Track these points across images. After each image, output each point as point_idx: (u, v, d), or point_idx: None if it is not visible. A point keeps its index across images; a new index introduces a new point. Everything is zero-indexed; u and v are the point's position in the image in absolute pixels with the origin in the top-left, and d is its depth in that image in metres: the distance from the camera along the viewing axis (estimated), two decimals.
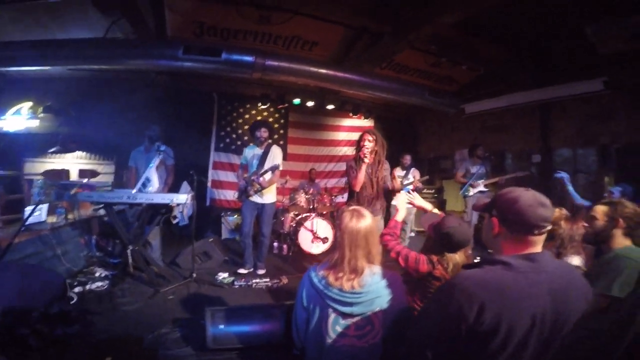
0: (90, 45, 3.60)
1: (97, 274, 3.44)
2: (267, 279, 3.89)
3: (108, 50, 3.60)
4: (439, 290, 1.21)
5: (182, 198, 3.42)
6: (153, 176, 3.67)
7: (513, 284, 1.04)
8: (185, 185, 4.54)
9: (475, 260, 1.30)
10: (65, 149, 4.95)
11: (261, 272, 4.11)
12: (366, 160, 3.03)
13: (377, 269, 1.55)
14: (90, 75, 4.73)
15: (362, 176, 3.05)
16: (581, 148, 4.72)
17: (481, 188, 4.99)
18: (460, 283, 1.08)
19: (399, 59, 4.86)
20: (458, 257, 1.84)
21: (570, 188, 3.51)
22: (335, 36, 4.36)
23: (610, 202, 1.88)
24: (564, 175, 3.59)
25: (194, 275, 3.65)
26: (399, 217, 2.22)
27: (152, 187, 3.63)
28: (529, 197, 1.09)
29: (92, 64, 3.74)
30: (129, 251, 3.36)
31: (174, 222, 5.48)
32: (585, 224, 1.92)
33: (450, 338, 1.07)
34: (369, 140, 3.10)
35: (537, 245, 1.10)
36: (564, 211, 2.24)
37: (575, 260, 2.03)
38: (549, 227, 1.09)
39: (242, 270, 4.16)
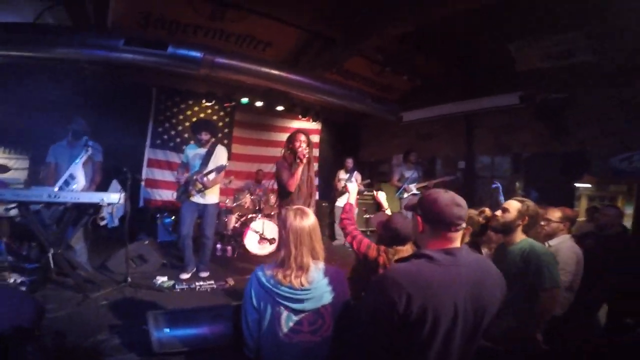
0: (16, 29, 3.11)
1: (11, 280, 2.96)
2: (212, 281, 3.73)
3: (37, 37, 3.16)
4: (373, 281, 1.29)
5: (114, 197, 3.13)
6: (78, 173, 3.32)
7: (436, 275, 1.15)
8: (115, 184, 4.15)
9: None
10: None
11: (204, 274, 3.96)
12: (304, 161, 2.98)
13: (321, 264, 1.60)
14: (5, 62, 4.07)
15: (298, 176, 3.01)
16: (498, 156, 5.44)
17: (414, 191, 5.48)
18: (390, 275, 1.18)
19: (348, 66, 5.08)
20: (405, 251, 2.00)
21: (502, 198, 3.91)
22: (290, 38, 4.39)
23: (522, 200, 2.16)
24: (499, 185, 4.06)
25: (129, 279, 3.36)
26: (352, 199, 2.44)
27: (76, 184, 3.28)
28: (446, 197, 1.22)
29: (18, 50, 3.23)
30: (50, 255, 2.97)
31: (102, 224, 4.96)
32: (497, 214, 2.19)
33: (385, 326, 1.15)
34: (304, 141, 3.07)
35: (456, 240, 1.23)
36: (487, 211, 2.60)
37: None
38: (464, 225, 1.23)
39: (183, 275, 3.93)
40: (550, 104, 4.18)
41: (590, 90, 4.04)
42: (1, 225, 3.41)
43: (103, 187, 3.90)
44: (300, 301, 1.51)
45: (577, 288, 2.43)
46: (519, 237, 2.08)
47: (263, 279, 1.55)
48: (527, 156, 4.80)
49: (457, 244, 1.24)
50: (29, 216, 3.03)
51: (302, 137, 3.09)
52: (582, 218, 4.04)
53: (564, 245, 2.49)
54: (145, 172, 5.85)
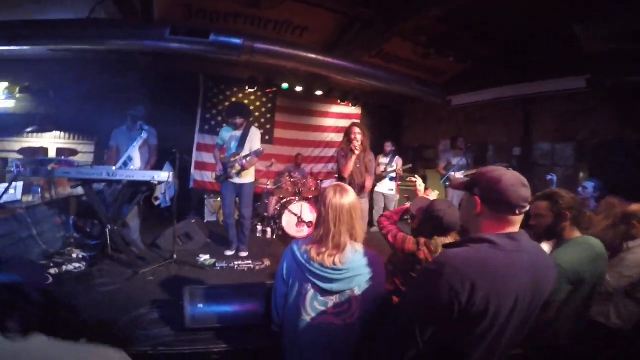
0: (73, 25, 3.44)
1: (74, 255, 3.37)
2: (250, 261, 3.90)
3: (91, 31, 3.47)
4: (426, 270, 1.15)
5: (164, 176, 3.35)
6: (135, 155, 3.62)
7: (500, 262, 1.03)
8: (167, 166, 4.47)
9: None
10: (43, 128, 4.78)
11: (244, 254, 4.12)
12: (357, 152, 3.43)
13: (359, 246, 1.54)
14: (71, 57, 4.55)
15: (351, 165, 3.48)
16: (559, 143, 4.87)
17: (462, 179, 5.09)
18: (450, 261, 1.03)
19: (389, 49, 4.84)
20: (447, 242, 1.83)
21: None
22: (326, 22, 4.29)
23: (547, 196, 1.82)
24: (553, 177, 3.68)
25: (175, 256, 3.62)
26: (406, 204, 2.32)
27: (133, 166, 3.58)
28: (511, 177, 1.08)
29: (75, 44, 3.58)
30: (107, 231, 3.32)
31: (156, 203, 5.43)
32: (533, 223, 1.84)
33: (441, 319, 1.03)
34: (358, 134, 3.52)
35: (516, 225, 1.10)
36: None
37: (545, 247, 2.12)
38: (528, 207, 1.09)
39: (227, 252, 4.18)
40: (623, 89, 3.59)
41: None
42: (70, 203, 3.86)
43: (158, 168, 4.19)
44: (330, 280, 1.46)
45: None
46: (571, 235, 1.79)
47: (297, 253, 1.54)
48: (594, 143, 4.23)
49: (517, 228, 1.10)
50: (91, 193, 3.39)
51: (357, 130, 3.57)
52: None
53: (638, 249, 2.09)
54: (195, 156, 6.22)
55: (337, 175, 3.84)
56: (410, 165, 6.12)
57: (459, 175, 5.12)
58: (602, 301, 2.01)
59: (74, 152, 4.32)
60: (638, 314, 2.03)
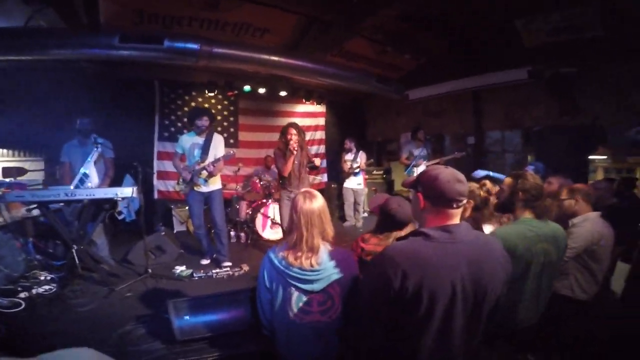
0: (9, 34, 3.14)
1: (42, 277, 3.16)
2: (228, 268, 3.89)
3: (31, 40, 3.18)
4: (372, 260, 1.33)
5: (127, 191, 3.25)
6: (91, 171, 3.44)
7: (432, 253, 1.13)
8: (128, 178, 4.27)
9: None
10: None
11: (226, 264, 3.99)
12: (295, 152, 3.65)
13: (329, 246, 1.65)
14: (8, 66, 4.13)
15: (290, 164, 3.74)
16: (508, 130, 5.34)
17: (423, 169, 5.39)
18: (387, 252, 1.18)
19: (349, 47, 4.97)
20: (403, 234, 1.93)
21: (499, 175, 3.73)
22: (287, 24, 4.29)
23: (516, 175, 1.97)
24: (534, 166, 3.80)
25: (149, 270, 3.52)
26: None
27: (90, 182, 3.41)
28: (447, 174, 1.19)
29: (13, 55, 3.27)
30: (74, 251, 3.13)
31: (120, 218, 5.15)
32: (498, 195, 2.09)
33: (382, 303, 1.15)
34: (294, 134, 3.75)
35: (455, 217, 1.20)
36: (494, 188, 2.54)
37: (487, 229, 2.29)
38: (465, 201, 1.20)
39: (203, 261, 4.10)
40: (560, 79, 4.04)
41: (602, 64, 3.89)
42: (26, 225, 3.58)
43: (117, 182, 4.01)
44: (310, 282, 1.55)
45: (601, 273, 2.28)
46: (522, 215, 1.92)
47: (275, 261, 1.60)
48: (538, 130, 4.70)
49: (456, 220, 1.21)
50: (49, 215, 3.19)
51: (293, 131, 3.76)
52: None
53: (584, 224, 2.29)
54: (157, 165, 5.95)
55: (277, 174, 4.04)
56: (372, 161, 6.36)
57: (422, 164, 5.43)
58: (562, 276, 2.20)
59: (22, 171, 3.96)
60: (593, 286, 2.26)
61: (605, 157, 4.36)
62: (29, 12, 3.15)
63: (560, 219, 2.18)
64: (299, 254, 1.57)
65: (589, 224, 2.29)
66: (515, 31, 3.98)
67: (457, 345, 1.17)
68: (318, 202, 1.63)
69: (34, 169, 4.60)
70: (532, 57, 4.34)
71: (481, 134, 5.68)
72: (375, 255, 1.30)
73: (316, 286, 1.56)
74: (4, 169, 4.01)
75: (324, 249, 1.61)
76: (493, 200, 2.42)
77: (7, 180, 3.68)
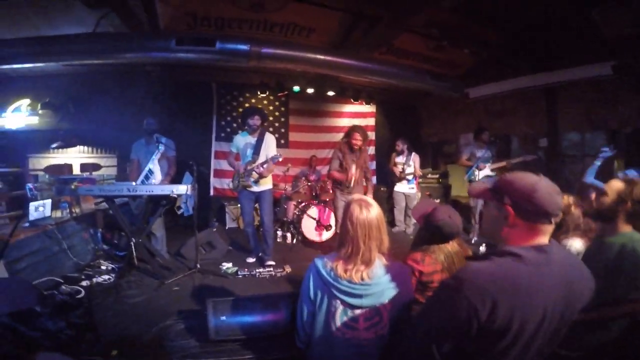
0: (80, 40, 3.53)
1: (103, 267, 3.50)
2: (271, 269, 3.93)
3: (97, 45, 3.55)
4: (445, 285, 1.10)
5: (182, 189, 3.44)
6: (155, 168, 3.70)
7: (525, 278, 0.97)
8: (187, 175, 4.56)
9: (481, 251, 1.25)
10: (67, 143, 4.98)
11: (270, 263, 4.04)
12: (357, 154, 3.87)
13: (384, 259, 1.53)
14: (85, 71, 4.70)
15: (353, 169, 3.92)
16: (590, 132, 4.61)
17: (487, 172, 4.82)
18: (470, 277, 1.00)
19: (399, 44, 4.72)
20: (450, 247, 1.80)
21: (590, 178, 3.18)
22: (332, 22, 4.23)
23: (628, 181, 1.71)
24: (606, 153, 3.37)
25: (198, 266, 3.68)
26: None
27: (154, 179, 3.67)
28: (546, 184, 1.02)
29: (83, 59, 3.68)
30: (132, 243, 3.41)
31: (179, 212, 5.55)
32: (597, 198, 1.77)
33: (458, 335, 1.01)
34: (358, 139, 3.90)
35: (547, 234, 1.04)
36: (572, 198, 2.17)
37: (577, 244, 1.96)
38: (561, 215, 1.06)
39: (249, 259, 4.20)
40: None
41: None
42: (97, 217, 4.00)
43: (178, 179, 4.29)
44: (359, 296, 1.45)
45: None
46: (622, 228, 1.66)
47: (323, 271, 1.51)
48: (627, 132, 3.97)
49: (546, 238, 1.04)
50: (114, 208, 3.51)
51: (358, 136, 3.91)
52: None
53: None
54: (214, 164, 6.30)
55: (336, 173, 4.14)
56: (428, 170, 5.94)
57: (486, 167, 4.87)
58: None
59: (97, 167, 4.47)
60: None
61: None
62: (96, 18, 3.48)
63: None
64: (350, 266, 1.47)
65: None
66: (592, 21, 3.39)
67: None
68: (375, 211, 1.51)
69: (108, 165, 5.16)
70: (616, 50, 3.73)
71: (556, 135, 4.97)
72: (448, 280, 1.10)
73: (365, 301, 1.45)
74: (82, 164, 4.55)
75: (379, 262, 1.50)
76: (577, 212, 2.07)
77: (80, 175, 4.15)
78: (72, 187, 3.41)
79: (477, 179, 4.83)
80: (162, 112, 4.91)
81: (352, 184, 3.99)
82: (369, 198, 1.59)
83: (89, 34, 3.58)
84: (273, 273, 3.87)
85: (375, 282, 1.45)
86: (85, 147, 5.26)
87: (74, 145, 5.07)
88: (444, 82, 5.36)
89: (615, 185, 1.70)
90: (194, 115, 5.87)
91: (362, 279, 1.44)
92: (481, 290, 0.95)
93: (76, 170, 4.59)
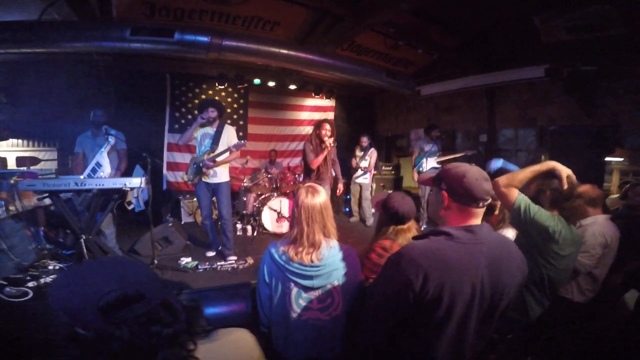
0: (25, 27, 3.18)
1: (50, 267, 3.24)
2: (233, 261, 3.92)
3: (45, 33, 3.21)
4: (388, 260, 1.22)
5: (136, 181, 3.29)
6: (104, 161, 3.48)
7: (454, 253, 1.08)
8: (138, 169, 4.33)
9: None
10: None
11: (231, 258, 4.00)
12: (330, 147, 3.91)
13: (333, 242, 1.62)
14: (23, 59, 4.23)
15: (321, 159, 3.94)
16: (522, 129, 5.18)
17: (434, 164, 5.28)
18: (407, 253, 1.12)
19: (360, 41, 4.89)
20: (407, 229, 1.95)
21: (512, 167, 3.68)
22: (298, 17, 4.25)
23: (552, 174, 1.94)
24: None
25: (155, 261, 3.57)
26: None
27: (103, 172, 3.46)
28: (475, 171, 1.15)
29: (27, 47, 3.31)
30: (82, 241, 3.21)
31: (129, 208, 5.26)
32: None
33: (399, 306, 1.11)
34: (329, 130, 3.98)
35: (478, 217, 1.17)
36: None
37: (509, 233, 2.20)
38: (490, 200, 1.17)
39: (209, 253, 4.14)
40: (579, 77, 3.86)
41: (623, 63, 3.70)
42: (37, 214, 3.67)
43: (128, 173, 4.07)
44: (310, 277, 1.53)
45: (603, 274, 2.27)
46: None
47: (276, 256, 1.58)
48: (553, 129, 4.54)
49: (478, 220, 1.17)
50: (60, 204, 3.26)
51: (328, 127, 4.00)
52: (615, 195, 3.82)
53: (593, 227, 2.26)
54: (167, 156, 6.03)
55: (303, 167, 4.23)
56: (381, 165, 6.26)
57: (432, 160, 5.32)
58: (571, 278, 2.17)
59: (35, 161, 4.07)
60: (594, 289, 2.25)
61: (622, 159, 4.17)
62: (43, 5, 3.19)
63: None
64: (300, 249, 1.55)
65: (598, 227, 2.25)
66: (533, 28, 3.82)
67: (469, 348, 1.15)
68: (320, 197, 1.61)
69: (47, 159, 4.72)
70: (550, 55, 4.17)
71: (494, 131, 5.52)
72: (391, 255, 1.20)
73: (316, 282, 1.53)
74: (17, 158, 4.13)
75: (326, 244, 1.58)
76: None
77: (20, 169, 3.78)
78: (12, 181, 3.09)
79: (424, 170, 5.29)
80: (110, 103, 4.60)
81: (321, 175, 4.08)
82: (318, 186, 1.67)
83: (34, 21, 3.24)
84: (235, 265, 3.86)
85: (324, 264, 1.54)
86: (20, 140, 4.75)
87: (5, 139, 4.53)
88: (397, 80, 5.65)
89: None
90: (146, 107, 5.54)
91: (312, 260, 1.53)
92: (415, 264, 1.06)
93: (11, 165, 4.13)
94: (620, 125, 3.79)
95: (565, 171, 1.74)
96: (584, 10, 3.46)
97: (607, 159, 4.15)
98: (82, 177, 3.24)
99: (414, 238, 1.27)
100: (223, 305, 2.50)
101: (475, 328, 1.12)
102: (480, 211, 1.17)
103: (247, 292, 2.49)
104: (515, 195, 1.81)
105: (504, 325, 1.83)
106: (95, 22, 3.55)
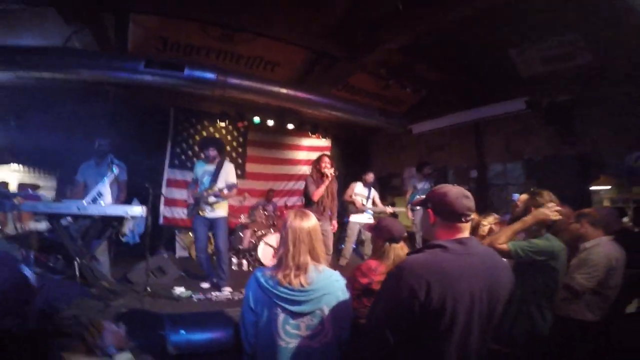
0: (48, 52, 3.45)
1: None
2: (228, 292, 3.80)
3: (66, 59, 3.48)
4: (389, 275, 1.28)
5: (137, 210, 3.30)
6: (105, 190, 3.51)
7: (451, 264, 1.17)
8: (135, 202, 4.35)
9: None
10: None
11: (227, 289, 3.90)
12: (330, 177, 3.86)
13: (322, 267, 1.57)
14: (35, 85, 4.43)
15: (322, 190, 3.86)
16: (510, 162, 5.39)
17: None
18: (408, 266, 1.20)
19: (353, 81, 5.27)
20: (400, 248, 2.06)
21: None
22: (297, 58, 4.61)
23: (532, 192, 2.13)
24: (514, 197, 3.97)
25: (148, 289, 3.46)
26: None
27: (103, 202, 3.47)
28: (454, 191, 1.28)
29: (48, 72, 3.56)
30: (76, 264, 3.13)
31: (123, 239, 5.14)
32: (513, 209, 2.22)
33: (405, 318, 1.15)
34: (328, 162, 3.98)
35: (465, 231, 1.28)
36: (496, 217, 2.61)
37: None
38: (472, 216, 1.29)
39: (204, 284, 4.01)
40: (557, 107, 4.16)
41: (596, 91, 4.00)
42: (31, 238, 3.61)
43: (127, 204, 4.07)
44: (298, 303, 1.47)
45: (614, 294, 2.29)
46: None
47: (262, 280, 1.52)
48: (538, 161, 4.75)
49: (466, 234, 1.27)
50: (59, 227, 3.22)
51: (327, 160, 4.00)
52: None
53: (597, 248, 2.30)
54: (166, 192, 6.03)
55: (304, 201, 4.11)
56: (390, 207, 6.20)
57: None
58: (574, 300, 2.23)
59: (36, 187, 4.08)
60: (605, 307, 2.26)
61: (609, 187, 4.34)
62: (68, 33, 3.44)
63: (568, 244, 2.19)
64: (287, 271, 1.49)
65: (602, 249, 2.29)
66: (511, 62, 4.18)
67: (473, 355, 1.18)
68: (310, 222, 1.58)
69: (47, 186, 4.72)
70: (530, 87, 4.48)
71: (484, 167, 5.72)
72: (391, 270, 1.28)
73: (305, 307, 1.47)
74: (20, 184, 4.14)
75: (314, 268, 1.54)
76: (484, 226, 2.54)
77: (25, 191, 3.77)
78: (15, 202, 3.09)
79: (418, 208, 5.29)
80: (113, 134, 4.72)
81: (321, 208, 3.97)
82: (309, 212, 1.65)
83: (58, 47, 3.51)
84: (230, 296, 3.74)
85: (313, 288, 1.49)
86: (22, 166, 4.77)
87: (7, 163, 4.55)
88: (390, 118, 6.01)
89: (523, 197, 2.17)
90: (147, 140, 5.66)
91: (301, 284, 1.47)
92: (416, 274, 1.14)
93: (13, 189, 4.12)
94: (601, 152, 4.00)
95: (553, 216, 1.96)
96: (553, 40, 3.81)
97: (593, 187, 4.31)
98: (84, 202, 3.25)
99: (409, 254, 1.37)
100: (220, 330, 2.43)
101: (477, 337, 1.17)
102: (466, 226, 1.28)
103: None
104: (506, 246, 1.97)
105: (510, 339, 1.92)
106: (113, 53, 3.83)
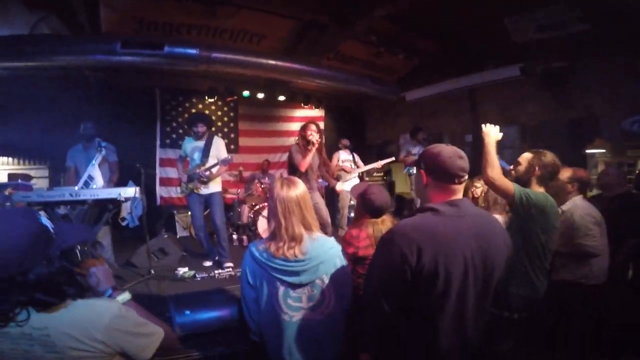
0: (16, 41, 3.24)
1: None
2: (230, 269, 3.89)
3: (36, 47, 3.27)
4: (381, 240, 1.25)
5: (131, 191, 3.27)
6: (96, 173, 3.48)
7: (442, 227, 1.13)
8: (131, 184, 4.34)
9: None
10: None
11: (228, 264, 3.96)
12: (316, 145, 3.58)
13: (316, 235, 1.54)
14: (11, 74, 4.25)
15: (309, 159, 3.60)
16: (504, 127, 5.36)
17: None
18: (398, 230, 1.18)
19: (344, 50, 5.08)
20: (380, 222, 2.01)
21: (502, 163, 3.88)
22: (283, 29, 4.41)
23: (536, 151, 2.03)
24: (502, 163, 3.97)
25: (152, 272, 3.54)
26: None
27: (95, 185, 3.45)
28: (449, 150, 1.21)
29: (18, 62, 3.36)
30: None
31: (123, 224, 5.20)
32: (514, 168, 2.11)
33: (398, 285, 1.13)
34: (314, 130, 3.68)
35: (458, 193, 1.23)
36: None
37: (499, 219, 2.36)
38: (466, 177, 1.21)
39: (206, 263, 4.10)
40: (552, 74, 4.09)
41: (591, 58, 3.94)
42: None
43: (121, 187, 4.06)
44: (296, 274, 1.45)
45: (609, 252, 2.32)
46: (536, 190, 1.94)
47: (256, 254, 1.49)
48: (533, 125, 4.74)
49: (459, 196, 1.23)
50: (54, 217, 3.21)
51: (313, 127, 3.70)
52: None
53: (577, 209, 2.31)
54: (159, 172, 6.03)
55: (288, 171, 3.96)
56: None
57: None
58: (578, 263, 2.27)
59: (27, 178, 4.03)
60: (605, 269, 2.30)
61: (604, 150, 4.35)
62: (34, 20, 3.25)
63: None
64: (281, 244, 1.45)
65: (580, 210, 2.32)
66: (505, 29, 4.05)
67: (471, 323, 1.17)
68: (297, 189, 1.53)
69: (39, 176, 4.68)
70: (524, 54, 4.39)
71: (478, 131, 5.67)
72: (384, 235, 1.25)
73: (303, 278, 1.45)
74: (9, 175, 4.09)
75: (308, 237, 1.50)
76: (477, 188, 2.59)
77: (15, 181, 3.74)
78: (6, 193, 3.06)
79: (414, 173, 5.37)
80: (100, 119, 4.61)
81: (309, 178, 3.83)
82: (295, 179, 1.60)
83: (26, 35, 3.30)
84: (233, 273, 3.83)
85: (309, 257, 1.46)
86: (9, 159, 4.69)
87: None
88: (383, 86, 5.86)
89: (526, 155, 2.07)
90: (136, 122, 5.54)
91: (295, 255, 1.44)
92: (408, 239, 1.11)
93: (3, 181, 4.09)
94: (596, 116, 3.99)
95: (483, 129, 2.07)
96: (547, 10, 3.70)
97: (588, 150, 4.33)
98: (76, 188, 3.23)
99: (402, 218, 1.35)
100: (225, 308, 2.50)
101: (474, 303, 1.15)
102: (459, 187, 1.22)
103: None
104: (511, 186, 1.92)
105: (512, 302, 1.88)
106: (86, 36, 3.64)
